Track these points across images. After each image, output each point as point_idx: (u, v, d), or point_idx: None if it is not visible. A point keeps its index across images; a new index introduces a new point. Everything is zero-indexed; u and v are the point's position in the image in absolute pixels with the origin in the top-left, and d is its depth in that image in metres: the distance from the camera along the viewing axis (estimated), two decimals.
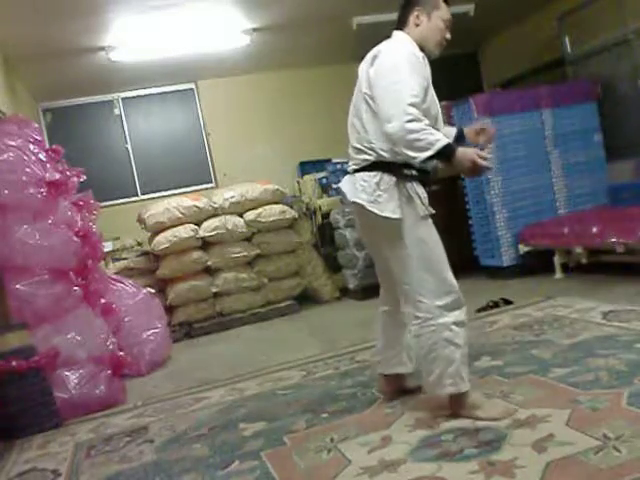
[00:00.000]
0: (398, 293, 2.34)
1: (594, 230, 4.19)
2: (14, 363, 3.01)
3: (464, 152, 2.11)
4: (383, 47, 2.27)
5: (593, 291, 3.89)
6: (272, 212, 5.45)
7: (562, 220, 4.75)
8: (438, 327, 2.16)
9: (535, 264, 4.84)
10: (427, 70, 2.28)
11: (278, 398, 2.89)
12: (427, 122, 2.10)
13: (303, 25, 5.57)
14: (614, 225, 4.11)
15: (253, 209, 5.46)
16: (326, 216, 5.90)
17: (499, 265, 4.97)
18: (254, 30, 5.48)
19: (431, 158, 2.09)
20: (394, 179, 2.19)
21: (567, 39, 5.84)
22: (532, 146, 5.00)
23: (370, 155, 2.24)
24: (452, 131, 2.51)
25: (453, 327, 2.16)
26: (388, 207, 2.16)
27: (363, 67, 2.30)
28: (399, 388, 2.55)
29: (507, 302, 3.95)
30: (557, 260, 4.62)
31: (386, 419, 2.32)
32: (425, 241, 2.19)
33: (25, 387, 3.05)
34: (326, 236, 5.99)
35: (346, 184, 2.31)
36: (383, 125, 2.13)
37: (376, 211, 2.17)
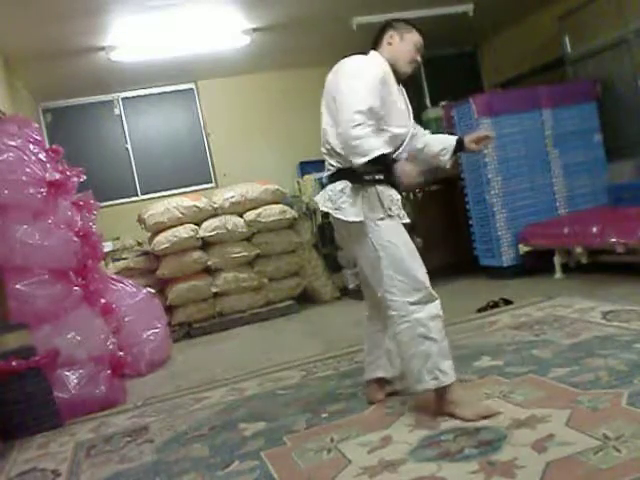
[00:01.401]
0: (377, 298, 2.37)
1: (594, 230, 4.19)
2: (14, 363, 3.01)
3: (402, 168, 2.22)
4: (348, 58, 2.42)
5: (593, 291, 3.89)
6: (272, 212, 5.45)
7: (562, 220, 4.75)
8: (412, 323, 2.19)
9: (535, 264, 4.84)
10: (392, 84, 2.38)
11: (278, 398, 2.89)
12: (372, 130, 2.16)
13: (303, 25, 5.57)
14: (614, 225, 4.11)
15: (253, 209, 5.46)
16: (326, 216, 5.89)
17: (499, 265, 4.97)
18: (254, 30, 5.47)
19: (377, 164, 2.15)
20: (356, 185, 2.27)
21: (567, 39, 5.84)
22: (532, 146, 5.00)
23: (334, 162, 2.36)
24: (438, 140, 2.60)
25: (427, 322, 2.19)
26: (351, 211, 2.25)
27: (330, 77, 2.48)
28: (383, 393, 2.56)
29: (507, 302, 3.95)
30: (557, 260, 4.62)
31: (386, 419, 2.32)
32: (392, 242, 2.24)
33: (25, 387, 3.04)
34: (326, 236, 5.99)
35: (318, 195, 2.43)
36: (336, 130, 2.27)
37: (341, 217, 2.27)
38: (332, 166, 2.38)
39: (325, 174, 2.45)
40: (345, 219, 2.26)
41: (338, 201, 2.28)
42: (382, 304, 2.31)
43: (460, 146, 2.56)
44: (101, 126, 6.66)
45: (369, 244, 2.26)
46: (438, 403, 2.24)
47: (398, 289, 2.21)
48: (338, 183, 2.31)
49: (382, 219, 2.25)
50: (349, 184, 2.28)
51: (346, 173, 2.29)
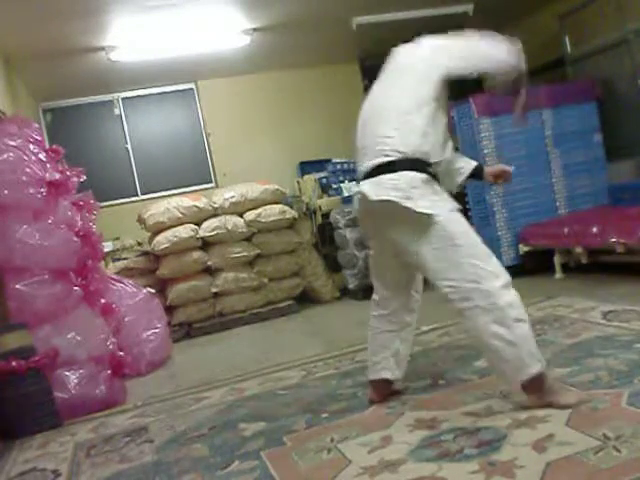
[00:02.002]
0: (400, 297, 2.33)
1: (594, 230, 4.19)
2: (14, 363, 3.01)
3: None
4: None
5: (593, 291, 3.89)
6: (272, 212, 5.45)
7: (562, 220, 4.75)
8: (505, 308, 2.08)
9: (535, 264, 4.84)
10: None
11: (278, 398, 2.89)
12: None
13: (303, 25, 5.57)
14: (614, 225, 4.11)
15: (253, 209, 5.46)
16: (326, 216, 5.90)
17: None
18: (254, 30, 5.47)
19: None
20: (425, 176, 2.20)
21: (567, 39, 5.84)
22: (532, 146, 5.00)
23: (397, 150, 2.22)
24: (460, 157, 2.59)
25: (518, 304, 2.11)
26: (423, 202, 2.15)
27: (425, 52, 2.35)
28: (387, 394, 2.55)
29: None
30: (557, 260, 4.62)
31: (386, 419, 2.32)
32: (468, 231, 2.21)
33: (25, 387, 3.05)
34: (326, 236, 5.99)
35: (365, 185, 2.27)
36: None
37: (411, 206, 2.14)
38: (388, 155, 2.22)
39: (371, 163, 2.27)
40: (417, 210, 2.13)
41: (409, 190, 2.15)
42: (451, 301, 2.18)
43: (478, 173, 2.54)
44: (101, 126, 6.66)
45: (441, 234, 2.15)
46: (536, 393, 2.12)
47: (484, 276, 2.10)
48: (403, 173, 2.18)
49: (452, 210, 2.22)
50: (417, 174, 2.18)
51: (413, 163, 2.20)
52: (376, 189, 2.21)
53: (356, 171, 2.44)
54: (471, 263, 2.13)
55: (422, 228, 2.18)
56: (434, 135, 2.25)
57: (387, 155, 2.22)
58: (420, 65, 2.31)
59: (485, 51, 2.28)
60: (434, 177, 2.25)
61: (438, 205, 2.18)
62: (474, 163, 2.58)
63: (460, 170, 2.54)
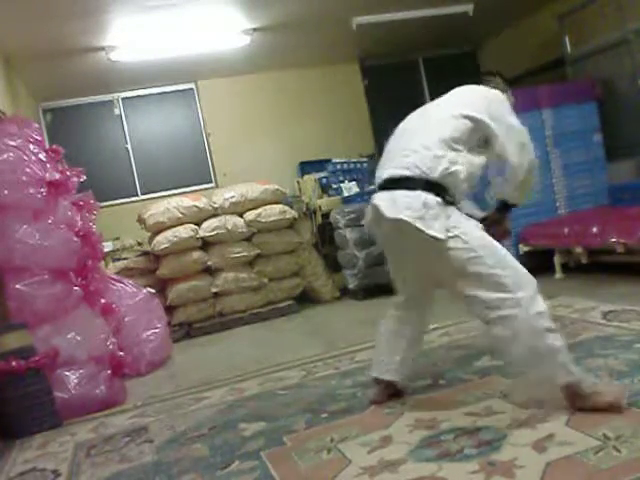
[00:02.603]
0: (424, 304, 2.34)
1: (594, 230, 4.19)
2: (14, 363, 3.01)
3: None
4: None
5: (593, 291, 3.89)
6: (272, 212, 5.45)
7: (562, 220, 4.75)
8: (533, 317, 2.04)
9: (535, 264, 4.81)
10: None
11: (278, 398, 2.88)
12: None
13: (303, 25, 5.58)
14: (614, 225, 4.11)
15: (253, 209, 5.46)
16: (326, 216, 5.90)
17: None
18: (254, 30, 5.48)
19: None
20: (440, 199, 2.15)
21: (567, 39, 5.84)
22: (532, 146, 4.99)
23: (415, 170, 2.18)
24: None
25: (546, 313, 2.08)
26: (435, 225, 2.11)
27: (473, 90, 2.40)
28: (389, 395, 2.54)
29: None
30: (557, 260, 4.62)
31: (386, 419, 2.32)
32: (487, 240, 2.15)
33: (25, 387, 3.04)
34: (326, 236, 6.00)
35: (379, 199, 2.24)
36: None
37: (423, 228, 2.09)
38: (408, 169, 2.19)
39: (390, 172, 2.25)
40: (428, 232, 2.08)
41: (421, 210, 2.11)
42: (477, 313, 2.15)
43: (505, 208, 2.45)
44: (101, 126, 6.66)
45: (461, 247, 2.10)
46: (575, 398, 2.06)
47: (510, 286, 2.06)
48: (418, 192, 2.14)
49: (469, 226, 2.16)
50: (433, 196, 2.13)
51: (431, 185, 2.15)
52: (391, 206, 2.17)
53: (374, 175, 2.40)
54: (496, 273, 2.08)
55: (437, 247, 2.12)
56: (463, 174, 2.19)
57: (407, 168, 2.19)
58: (477, 103, 2.29)
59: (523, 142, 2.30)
60: (451, 203, 2.18)
61: (452, 224, 2.12)
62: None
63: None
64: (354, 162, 6.38)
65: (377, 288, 5.39)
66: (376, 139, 7.05)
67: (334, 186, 6.18)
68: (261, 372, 3.43)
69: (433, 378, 2.71)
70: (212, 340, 5.00)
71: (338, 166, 6.25)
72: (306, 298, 5.76)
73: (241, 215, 5.45)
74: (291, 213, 5.55)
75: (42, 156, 3.54)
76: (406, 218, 2.11)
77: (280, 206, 5.54)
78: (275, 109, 6.99)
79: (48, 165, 3.55)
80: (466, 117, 2.23)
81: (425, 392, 2.57)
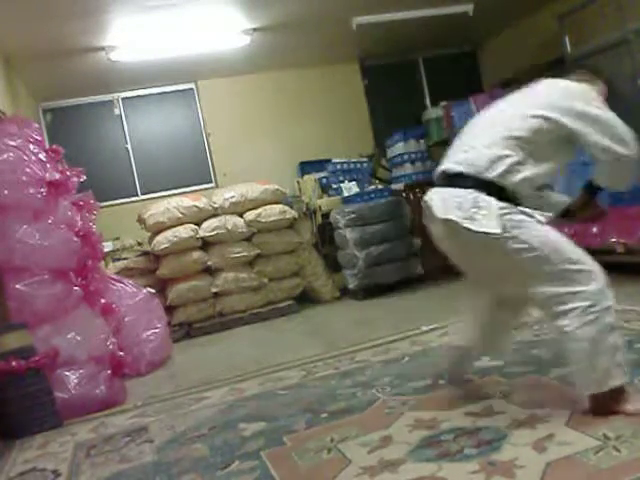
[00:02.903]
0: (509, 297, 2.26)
1: (594, 230, 4.19)
2: (14, 363, 3.01)
3: None
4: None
5: None
6: (272, 212, 5.45)
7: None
8: (600, 313, 1.96)
9: None
10: None
11: (278, 398, 2.89)
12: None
13: (303, 25, 5.57)
14: (614, 225, 4.11)
15: (253, 209, 5.47)
16: (326, 216, 5.90)
17: None
18: (254, 30, 5.48)
19: None
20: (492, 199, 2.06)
21: (567, 39, 5.84)
22: None
23: (468, 168, 2.10)
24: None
25: (613, 309, 2.01)
26: (489, 223, 2.01)
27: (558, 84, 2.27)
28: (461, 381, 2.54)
29: None
30: None
31: (386, 419, 2.32)
32: (549, 236, 2.04)
33: (25, 387, 3.04)
34: (326, 236, 6.00)
35: (432, 198, 2.16)
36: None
37: (470, 227, 2.01)
38: (461, 164, 2.12)
39: (446, 167, 2.17)
40: (475, 229, 1.99)
41: (470, 210, 2.02)
42: (544, 307, 2.06)
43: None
44: (101, 126, 6.66)
45: (520, 247, 1.99)
46: (612, 402, 1.98)
47: (581, 279, 1.96)
48: (469, 191, 2.05)
49: (526, 220, 2.04)
50: (484, 196, 2.03)
51: (483, 185, 2.05)
52: (442, 206, 2.10)
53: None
54: (562, 269, 1.98)
55: (494, 245, 2.02)
56: (524, 177, 2.08)
57: (462, 165, 2.11)
58: (553, 100, 2.16)
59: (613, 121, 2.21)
60: (510, 201, 2.06)
61: (510, 224, 2.01)
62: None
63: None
64: (354, 162, 6.38)
65: (377, 288, 5.40)
66: (376, 139, 7.04)
67: (334, 186, 6.18)
68: (261, 372, 3.43)
69: (433, 378, 2.70)
70: (212, 340, 5.00)
71: (338, 166, 6.25)
72: (306, 298, 5.76)
73: (241, 215, 5.45)
74: (291, 213, 5.55)
75: (42, 156, 3.54)
76: (455, 218, 2.03)
77: (280, 206, 5.55)
78: (275, 109, 6.98)
79: (48, 165, 3.55)
80: (538, 117, 2.11)
81: (425, 392, 2.57)
